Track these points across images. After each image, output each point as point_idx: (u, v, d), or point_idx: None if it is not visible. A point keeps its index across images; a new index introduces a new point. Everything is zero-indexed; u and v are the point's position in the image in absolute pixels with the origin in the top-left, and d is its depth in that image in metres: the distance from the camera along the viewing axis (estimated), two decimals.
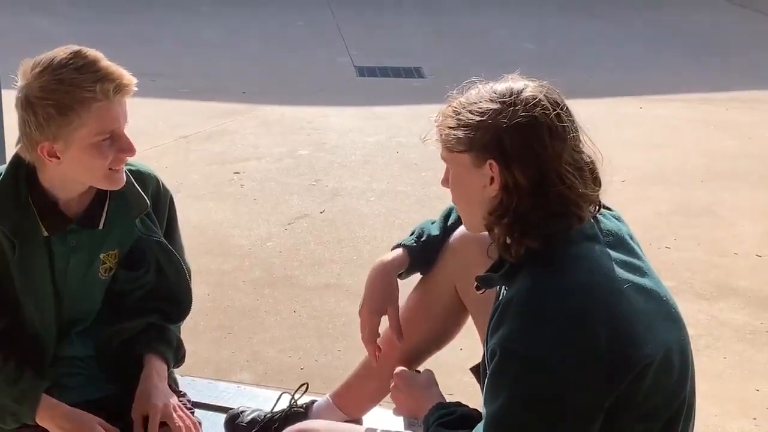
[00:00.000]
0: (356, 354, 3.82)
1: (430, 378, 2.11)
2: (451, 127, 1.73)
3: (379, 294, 2.23)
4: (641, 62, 9.89)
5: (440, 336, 2.38)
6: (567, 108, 1.73)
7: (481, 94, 1.73)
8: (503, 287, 1.80)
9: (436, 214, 2.40)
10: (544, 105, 1.69)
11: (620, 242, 1.77)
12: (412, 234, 2.32)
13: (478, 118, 1.69)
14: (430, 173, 5.84)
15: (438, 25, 11.75)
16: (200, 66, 9.35)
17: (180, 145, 6.86)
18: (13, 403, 2.10)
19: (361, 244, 5.10)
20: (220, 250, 4.96)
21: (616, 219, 1.84)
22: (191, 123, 7.40)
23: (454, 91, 1.80)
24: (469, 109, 1.71)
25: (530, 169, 1.66)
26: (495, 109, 1.69)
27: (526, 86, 1.72)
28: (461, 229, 2.25)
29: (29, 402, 2.10)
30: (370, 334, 2.24)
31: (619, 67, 9.56)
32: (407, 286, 2.39)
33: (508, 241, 1.70)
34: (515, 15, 12.27)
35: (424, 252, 2.28)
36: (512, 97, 1.69)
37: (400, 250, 2.28)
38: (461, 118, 1.72)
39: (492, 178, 1.69)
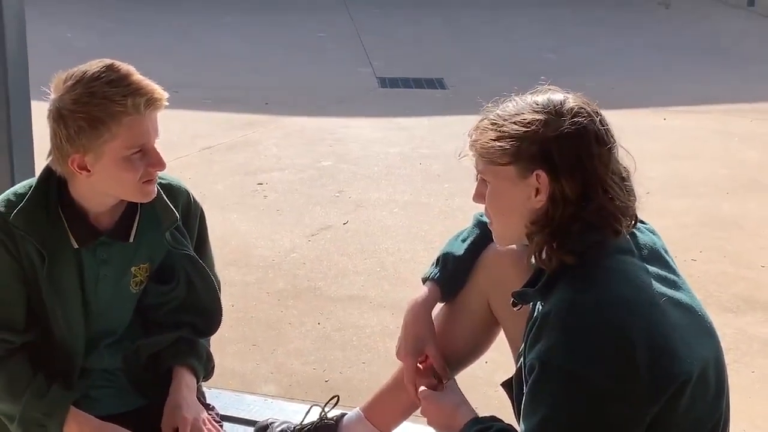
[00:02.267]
0: (381, 366, 3.83)
1: (457, 396, 2.09)
2: (493, 140, 1.71)
3: (416, 336, 2.21)
4: (664, 73, 9.85)
5: (472, 350, 2.37)
6: (605, 118, 1.73)
7: (521, 105, 1.72)
8: (538, 302, 1.79)
9: (459, 226, 2.38)
10: (588, 115, 1.69)
11: (656, 256, 1.76)
12: (436, 264, 2.28)
13: (523, 129, 1.68)
14: (453, 184, 5.84)
15: (459, 36, 11.76)
16: (223, 77, 9.40)
17: (203, 156, 6.89)
18: (41, 415, 2.10)
19: (384, 255, 5.10)
20: (244, 262, 4.97)
21: (651, 232, 1.83)
22: (214, 134, 7.43)
23: (489, 104, 1.79)
24: (513, 120, 1.70)
25: (577, 179, 1.66)
26: (541, 120, 1.68)
27: (567, 97, 1.72)
28: (494, 244, 2.24)
29: (57, 414, 2.10)
30: (409, 376, 2.20)
31: (641, 78, 9.53)
32: None
33: (547, 251, 1.70)
34: (536, 26, 12.26)
35: (453, 279, 2.26)
36: (556, 108, 1.69)
37: (428, 285, 2.25)
38: (504, 130, 1.70)
39: (537, 189, 1.69)
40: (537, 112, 1.69)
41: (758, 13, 13.35)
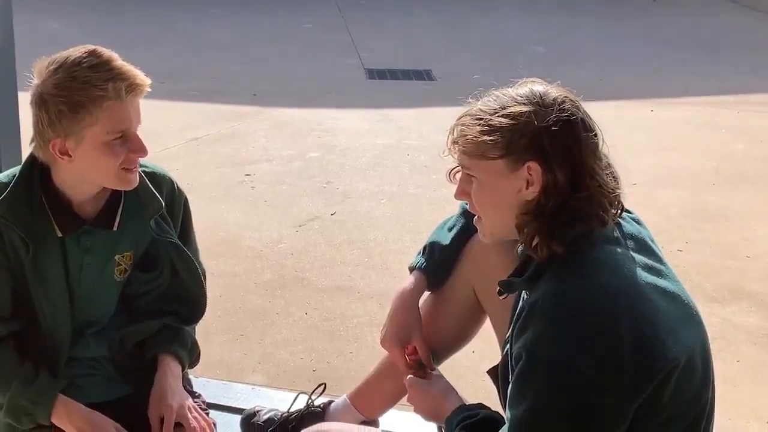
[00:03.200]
0: (368, 356, 3.84)
1: (444, 384, 2.10)
2: (481, 134, 1.70)
3: (402, 324, 2.22)
4: (652, 65, 9.88)
5: (458, 338, 2.38)
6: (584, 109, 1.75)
7: (505, 99, 1.72)
8: (524, 291, 1.80)
9: (446, 217, 2.39)
10: (572, 103, 1.70)
11: (642, 245, 1.77)
12: (423, 252, 2.29)
13: (512, 122, 1.68)
14: (441, 176, 5.78)
15: (447, 27, 11.75)
16: (210, 68, 9.37)
17: (191, 147, 6.88)
18: (29, 403, 2.10)
19: (372, 246, 5.10)
20: (231, 252, 4.96)
21: (637, 222, 1.84)
22: (202, 125, 7.42)
23: (469, 99, 1.78)
24: (500, 114, 1.69)
25: (568, 168, 1.66)
26: (528, 112, 1.68)
27: (548, 88, 1.72)
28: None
29: (45, 402, 2.10)
30: (400, 364, 2.21)
31: (629, 70, 9.55)
32: None
33: (537, 241, 1.70)
34: (524, 18, 12.27)
35: (440, 268, 2.27)
36: (541, 99, 1.69)
37: (415, 274, 2.26)
38: (492, 123, 1.69)
39: (528, 181, 1.68)
40: (523, 104, 1.69)
41: (745, 5, 13.39)
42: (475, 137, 1.70)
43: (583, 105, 1.77)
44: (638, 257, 1.73)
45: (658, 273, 1.73)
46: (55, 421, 2.11)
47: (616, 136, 6.68)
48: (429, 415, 2.07)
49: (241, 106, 8.05)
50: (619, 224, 1.77)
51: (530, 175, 1.67)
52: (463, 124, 1.74)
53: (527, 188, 1.69)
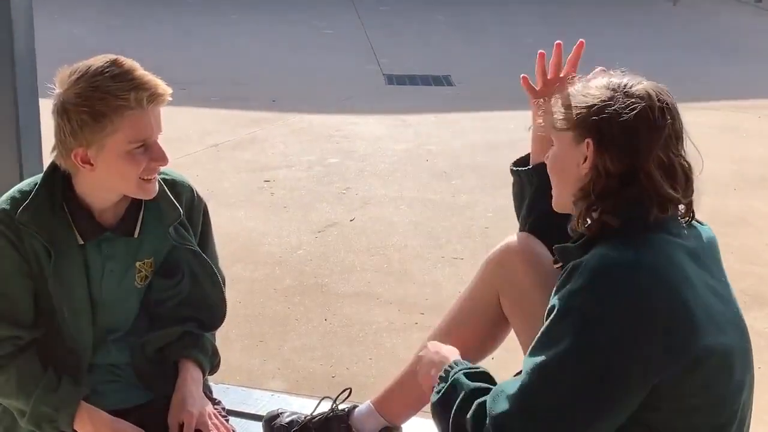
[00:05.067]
0: (387, 362, 3.84)
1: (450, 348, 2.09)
2: (562, 107, 1.83)
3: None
4: (671, 68, 9.82)
5: (480, 347, 2.39)
6: (674, 110, 1.80)
7: (597, 82, 1.83)
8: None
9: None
10: (650, 102, 1.76)
11: (705, 250, 1.82)
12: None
13: (587, 102, 1.79)
14: (460, 181, 5.84)
15: (466, 33, 11.75)
16: (230, 74, 9.41)
17: (211, 154, 6.90)
18: (52, 410, 2.11)
19: (391, 252, 5.10)
20: (251, 258, 4.98)
21: (708, 234, 1.89)
22: (221, 131, 7.45)
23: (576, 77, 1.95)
24: (582, 92, 1.81)
25: (621, 158, 1.74)
26: (603, 97, 1.78)
27: (640, 82, 1.81)
28: (506, 242, 2.30)
29: (68, 409, 2.11)
30: None
31: (648, 74, 9.43)
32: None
33: (589, 217, 1.77)
34: (543, 22, 12.25)
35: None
36: (623, 88, 1.78)
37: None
38: (573, 100, 1.81)
39: (585, 157, 1.77)
40: (606, 88, 1.80)
41: (766, 9, 13.31)
42: (559, 109, 1.84)
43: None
44: (696, 254, 1.77)
45: (712, 274, 1.78)
46: (78, 428, 2.12)
47: None
48: (432, 365, 2.01)
49: (261, 112, 8.08)
50: (690, 227, 1.82)
51: (587, 151, 1.77)
52: (559, 97, 1.87)
53: (583, 163, 1.78)
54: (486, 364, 2.73)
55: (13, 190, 2.17)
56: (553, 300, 1.73)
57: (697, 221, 1.87)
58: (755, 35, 11.80)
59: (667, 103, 1.78)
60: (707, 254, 1.82)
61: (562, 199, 1.87)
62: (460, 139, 6.91)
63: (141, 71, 2.02)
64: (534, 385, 1.67)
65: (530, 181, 2.28)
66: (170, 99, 2.05)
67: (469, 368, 1.91)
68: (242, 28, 11.84)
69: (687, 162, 1.81)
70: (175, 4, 13.39)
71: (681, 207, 1.80)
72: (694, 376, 1.66)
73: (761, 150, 7.02)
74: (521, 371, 1.73)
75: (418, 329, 3.98)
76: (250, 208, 5.78)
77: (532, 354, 1.70)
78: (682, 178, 1.78)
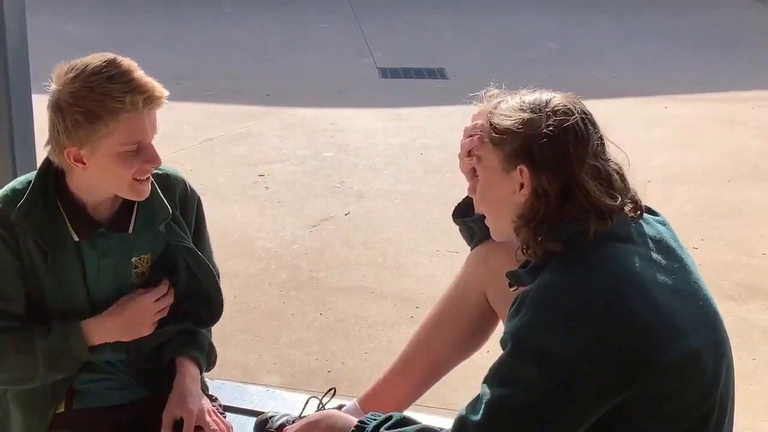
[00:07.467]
0: (383, 356, 3.84)
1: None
2: (485, 137, 1.78)
3: None
4: (665, 61, 9.83)
5: (469, 342, 2.40)
6: (591, 117, 1.77)
7: (511, 104, 1.78)
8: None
9: None
10: (570, 115, 1.73)
11: (660, 247, 1.78)
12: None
13: (510, 126, 1.74)
14: (455, 175, 5.79)
15: (460, 24, 11.73)
16: (224, 68, 9.38)
17: (205, 148, 6.89)
18: (61, 343, 2.10)
19: (386, 245, 5.10)
20: (246, 253, 4.98)
21: (661, 224, 1.85)
22: (216, 125, 7.44)
23: (484, 91, 1.86)
24: (502, 114, 1.76)
25: (557, 176, 1.71)
26: (524, 118, 1.74)
27: (553, 96, 1.77)
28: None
29: (73, 332, 2.11)
30: None
31: (643, 66, 9.51)
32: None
33: (533, 244, 1.75)
34: (538, 14, 12.23)
35: None
36: (540, 106, 1.74)
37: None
38: (494, 121, 1.77)
39: (522, 184, 1.73)
40: (523, 110, 1.75)
41: (760, 1, 13.32)
42: (485, 125, 1.79)
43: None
44: (654, 256, 1.74)
45: (669, 272, 1.74)
46: (96, 341, 2.13)
47: (630, 132, 6.68)
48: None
49: (255, 106, 8.07)
50: (638, 225, 1.79)
51: (522, 178, 1.73)
52: (476, 119, 1.82)
53: (520, 191, 1.74)
54: (481, 357, 2.75)
55: (6, 189, 2.16)
56: (507, 328, 1.72)
57: (649, 212, 1.84)
58: (748, 26, 11.79)
59: (586, 113, 1.76)
60: (661, 248, 1.77)
61: (500, 227, 1.84)
62: (454, 132, 6.86)
63: (138, 73, 2.01)
64: (493, 423, 1.67)
65: (481, 227, 2.25)
66: (166, 102, 2.04)
67: (384, 419, 1.90)
68: (236, 22, 11.80)
69: (617, 164, 1.78)
70: None
71: (627, 208, 1.76)
72: (662, 386, 1.65)
73: (755, 141, 7.02)
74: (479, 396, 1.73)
75: (414, 323, 3.97)
76: (245, 203, 5.78)
77: (490, 386, 1.70)
78: (617, 181, 1.76)
